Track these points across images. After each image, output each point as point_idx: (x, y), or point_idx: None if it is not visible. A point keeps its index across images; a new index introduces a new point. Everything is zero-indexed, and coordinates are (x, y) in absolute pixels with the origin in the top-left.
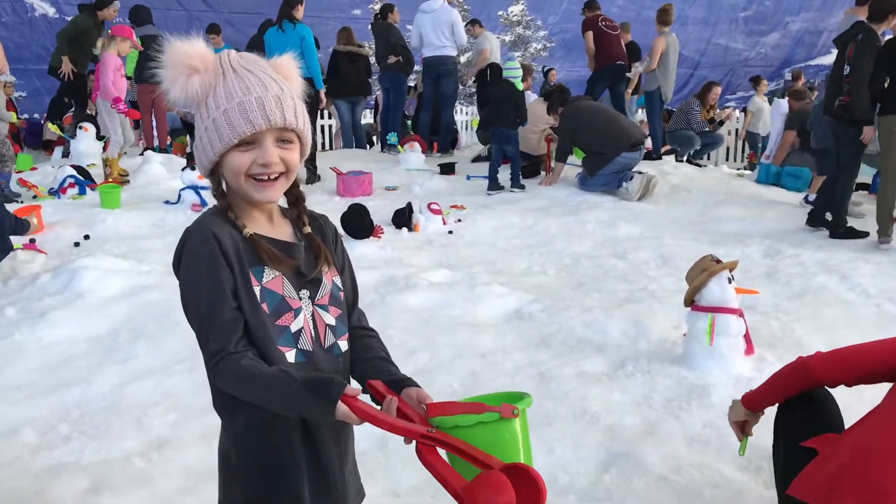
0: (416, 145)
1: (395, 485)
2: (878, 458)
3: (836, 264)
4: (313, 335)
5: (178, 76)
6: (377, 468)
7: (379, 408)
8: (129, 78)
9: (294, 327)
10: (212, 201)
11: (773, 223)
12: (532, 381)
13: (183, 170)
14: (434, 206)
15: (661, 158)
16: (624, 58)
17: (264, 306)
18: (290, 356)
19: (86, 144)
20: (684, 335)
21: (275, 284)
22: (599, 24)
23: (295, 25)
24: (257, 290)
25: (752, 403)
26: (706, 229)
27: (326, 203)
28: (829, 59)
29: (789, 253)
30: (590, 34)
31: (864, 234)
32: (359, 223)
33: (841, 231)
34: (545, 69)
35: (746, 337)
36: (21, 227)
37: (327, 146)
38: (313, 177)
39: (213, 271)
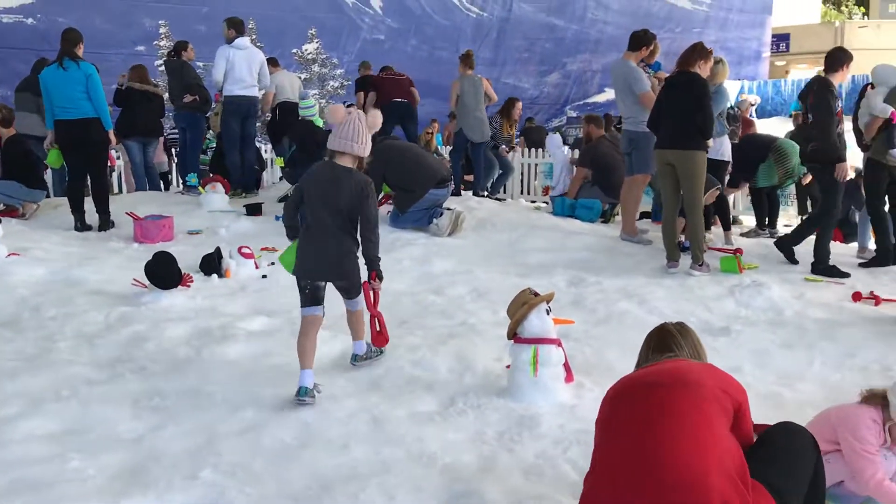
0: (219, 186)
1: None
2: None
3: (633, 289)
4: None
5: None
6: None
7: None
8: None
9: None
10: None
11: (572, 253)
12: (366, 426)
13: None
14: (245, 250)
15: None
16: (405, 95)
17: None
18: None
19: None
20: (508, 367)
21: None
22: (380, 74)
23: (79, 64)
24: None
25: None
26: (514, 261)
27: (123, 251)
28: (602, 97)
29: (591, 281)
30: (361, 94)
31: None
32: (166, 272)
33: (822, 268)
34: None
35: (566, 366)
36: None
37: (116, 189)
38: (106, 224)
39: None
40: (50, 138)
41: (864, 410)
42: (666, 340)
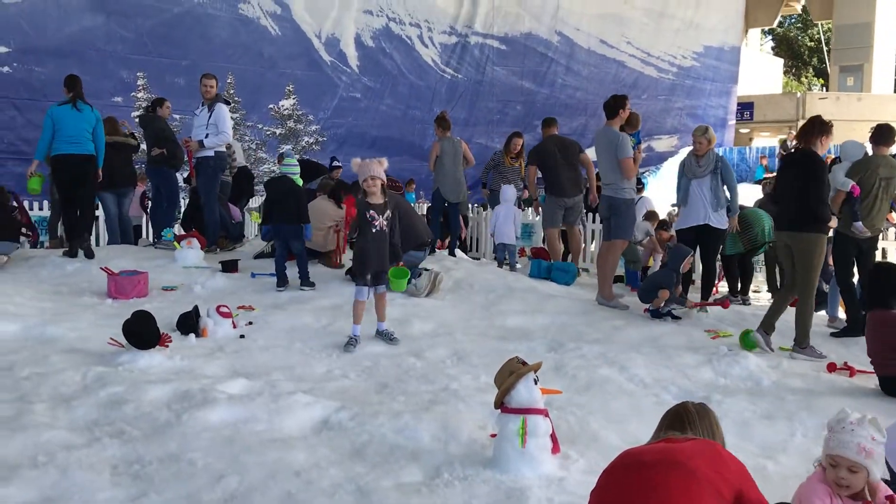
0: (195, 241)
1: None
2: None
3: (613, 356)
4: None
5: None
6: None
7: None
8: None
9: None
10: None
11: (550, 317)
12: (352, 497)
13: None
14: (224, 309)
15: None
16: None
17: None
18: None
19: None
20: (493, 436)
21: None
22: None
23: (92, 108)
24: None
25: None
26: (492, 324)
27: (97, 307)
28: None
29: (570, 346)
30: None
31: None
32: (145, 331)
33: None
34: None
35: (553, 436)
36: None
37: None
38: (90, 251)
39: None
40: (34, 167)
41: (813, 482)
42: (681, 419)
